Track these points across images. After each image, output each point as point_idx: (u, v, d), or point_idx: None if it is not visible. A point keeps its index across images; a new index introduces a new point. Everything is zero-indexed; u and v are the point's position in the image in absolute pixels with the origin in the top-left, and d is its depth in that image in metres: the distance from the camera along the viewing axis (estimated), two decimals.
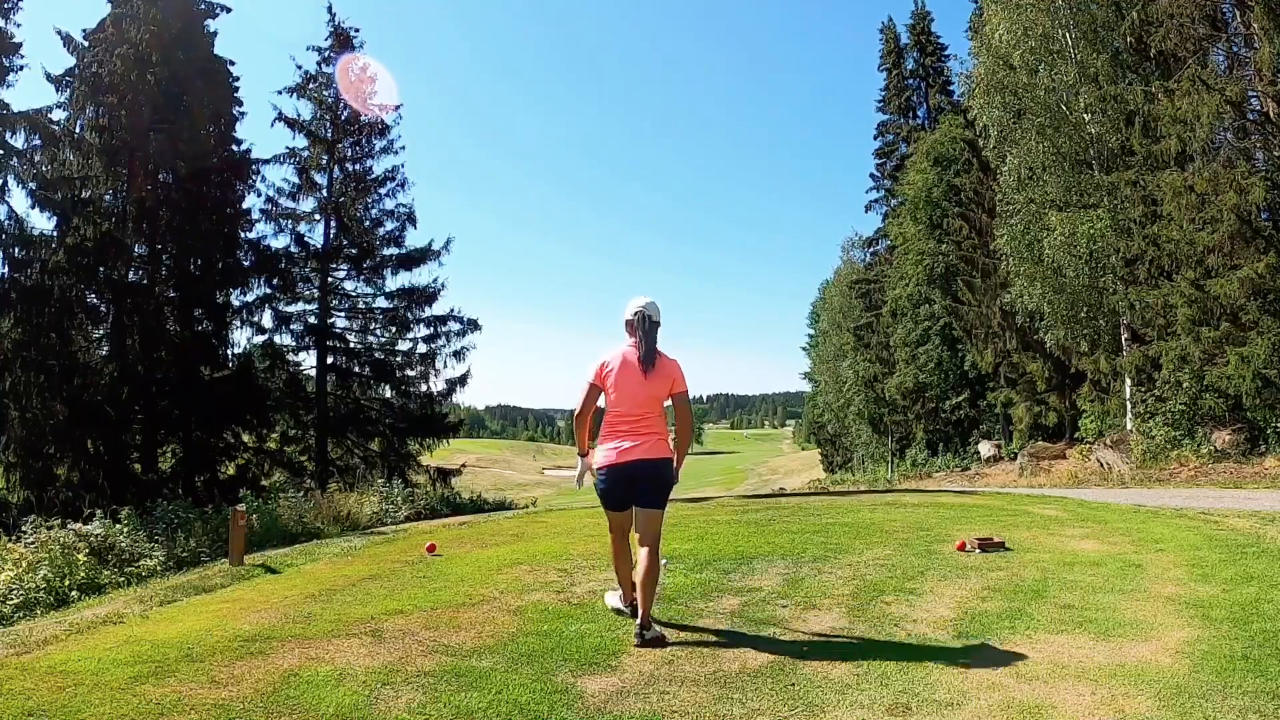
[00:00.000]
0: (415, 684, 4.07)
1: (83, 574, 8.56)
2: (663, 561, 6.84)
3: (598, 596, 5.90)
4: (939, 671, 4.04)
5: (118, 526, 10.10)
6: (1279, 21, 16.05)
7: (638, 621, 4.77)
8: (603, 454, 5.12)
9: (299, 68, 23.51)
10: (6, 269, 16.83)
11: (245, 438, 20.81)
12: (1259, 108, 17.58)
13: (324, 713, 3.68)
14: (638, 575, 4.93)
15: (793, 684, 3.97)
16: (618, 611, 5.40)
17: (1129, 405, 21.45)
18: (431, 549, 8.30)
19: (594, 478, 5.27)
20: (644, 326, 5.20)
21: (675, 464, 5.22)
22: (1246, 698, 3.53)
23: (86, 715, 3.67)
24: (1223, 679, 3.75)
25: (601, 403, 5.25)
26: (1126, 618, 4.82)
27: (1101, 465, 20.22)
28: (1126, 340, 21.42)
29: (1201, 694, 3.58)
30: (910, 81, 50.10)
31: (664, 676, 4.14)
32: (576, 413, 5.31)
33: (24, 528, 9.83)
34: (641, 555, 4.97)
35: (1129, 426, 21.13)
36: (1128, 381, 21.43)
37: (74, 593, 8.12)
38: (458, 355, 23.26)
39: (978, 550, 6.99)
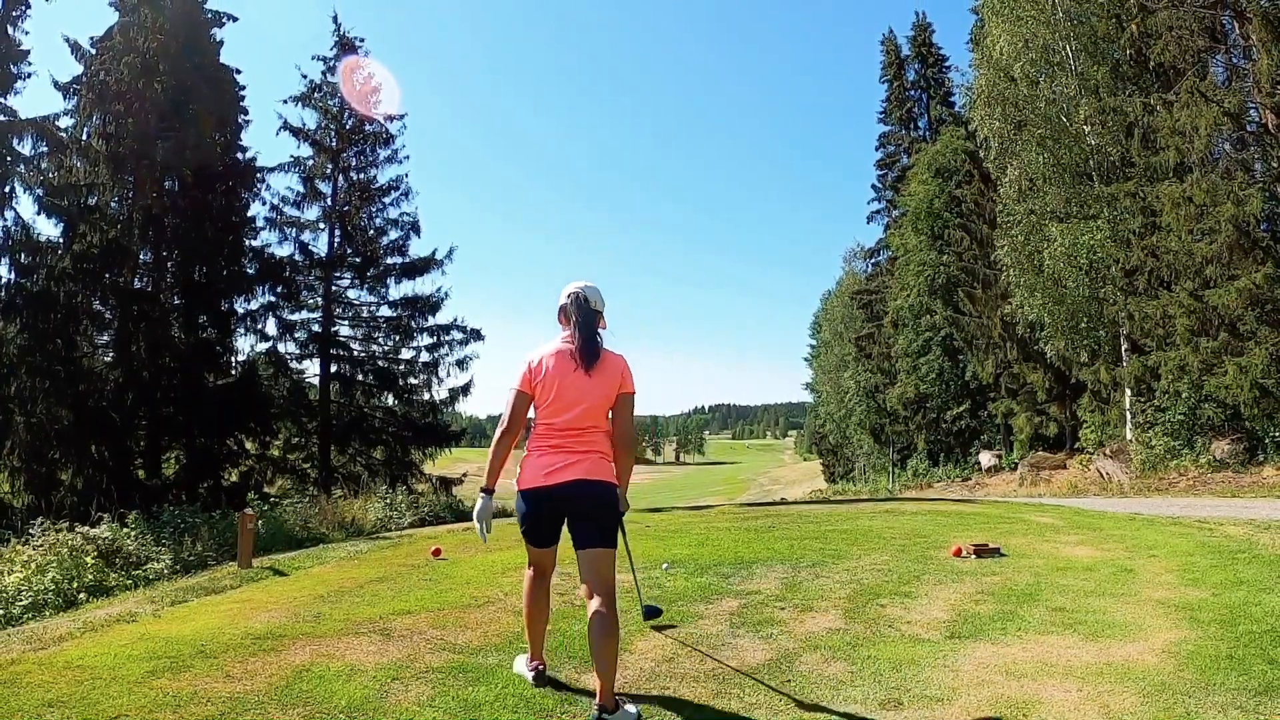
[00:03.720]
0: (424, 679, 4.19)
1: (90, 576, 8.65)
2: (664, 565, 6.97)
3: None
4: (931, 669, 4.16)
5: (125, 530, 10.22)
6: (1277, 33, 16.19)
7: (595, 703, 3.60)
8: (529, 474, 3.96)
9: (304, 77, 23.74)
10: (13, 275, 16.90)
11: (249, 445, 20.86)
12: (1258, 119, 17.71)
13: (336, 706, 3.80)
14: (592, 637, 3.69)
15: (789, 680, 4.09)
16: (535, 681, 4.11)
17: (1129, 415, 21.52)
18: (437, 553, 8.41)
19: (482, 521, 4.04)
20: (579, 313, 4.06)
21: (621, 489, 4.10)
22: (1229, 694, 3.64)
23: (105, 707, 3.79)
24: (1207, 677, 3.87)
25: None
26: (1116, 620, 4.93)
27: (1101, 475, 20.29)
28: (1126, 351, 21.50)
29: (1185, 691, 3.70)
30: (911, 93, 50.21)
31: (664, 673, 4.26)
32: (501, 431, 4.02)
33: (32, 530, 9.91)
34: (592, 610, 3.74)
35: (1129, 436, 21.20)
36: (1127, 392, 21.50)
37: (82, 595, 8.21)
38: (460, 364, 23.38)
39: (973, 556, 7.09)
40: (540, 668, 4.11)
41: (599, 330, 4.10)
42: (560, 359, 3.97)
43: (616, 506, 4.00)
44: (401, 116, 24.40)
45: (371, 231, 23.62)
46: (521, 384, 4.00)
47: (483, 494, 4.04)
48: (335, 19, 24.00)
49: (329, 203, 23.43)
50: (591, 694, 3.77)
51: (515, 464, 4.12)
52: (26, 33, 17.06)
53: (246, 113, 21.93)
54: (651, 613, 5.10)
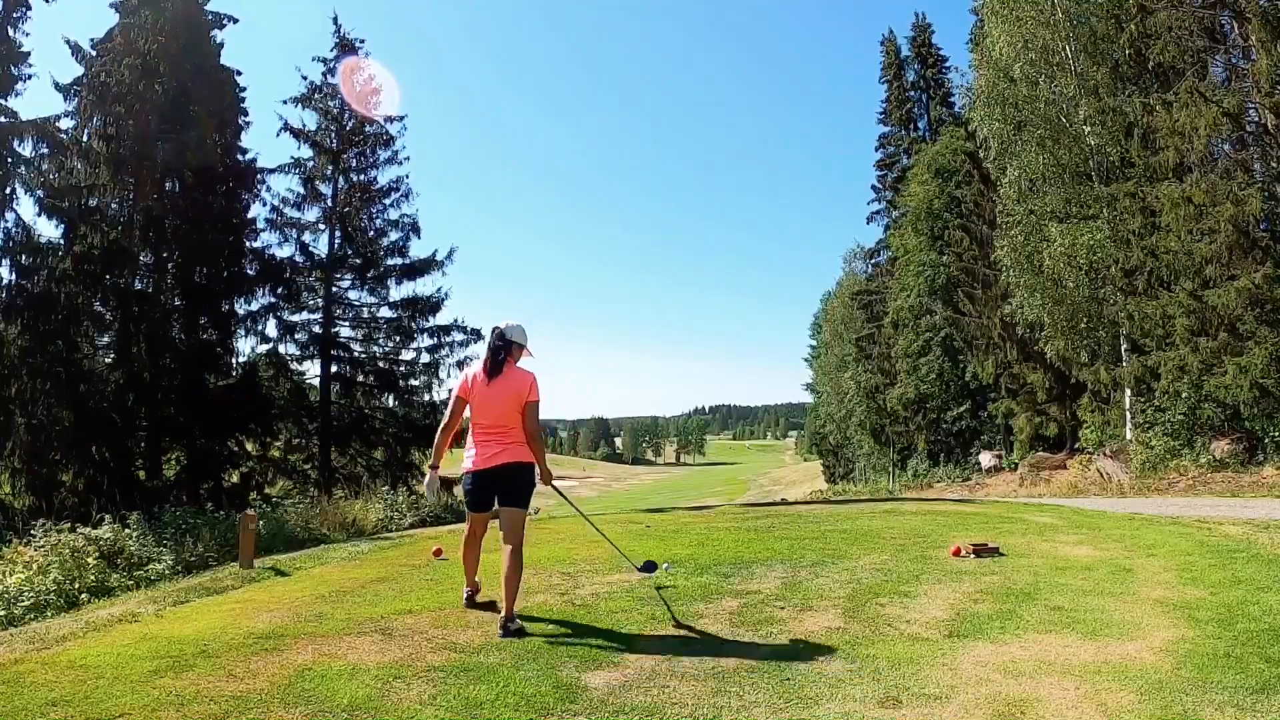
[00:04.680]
0: (425, 678, 4.21)
1: (92, 577, 8.67)
2: (665, 566, 6.99)
3: (601, 599, 6.02)
4: (929, 668, 4.18)
5: (127, 531, 10.23)
6: (1276, 33, 16.20)
7: (502, 615, 5.16)
8: (468, 461, 5.56)
9: (304, 78, 23.77)
10: (14, 276, 16.93)
11: (249, 446, 20.86)
12: (1257, 119, 17.70)
13: (338, 704, 3.83)
14: (502, 574, 5.21)
15: (788, 679, 4.11)
16: (467, 602, 5.90)
17: (1129, 415, 21.52)
18: (438, 553, 8.43)
19: (439, 490, 6.05)
20: (493, 341, 5.64)
21: (538, 469, 5.66)
22: (1226, 692, 3.67)
23: (109, 706, 3.81)
24: (1204, 675, 3.89)
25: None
26: (1114, 618, 4.95)
27: (1101, 475, 20.28)
28: (1126, 351, 21.50)
29: (1182, 689, 3.72)
30: (911, 93, 50.23)
31: (664, 672, 4.28)
32: (442, 425, 5.76)
33: (34, 531, 9.93)
34: (504, 555, 5.26)
35: (1129, 436, 21.19)
36: (1127, 392, 21.50)
37: (84, 595, 8.23)
38: (461, 365, 23.32)
39: (972, 555, 7.11)
40: (472, 592, 5.80)
41: (523, 356, 5.72)
42: (479, 373, 5.57)
43: (527, 481, 5.54)
44: (401, 118, 24.48)
45: (372, 233, 23.66)
46: (460, 390, 5.63)
47: (430, 469, 5.91)
48: (335, 20, 24.05)
49: (329, 204, 23.45)
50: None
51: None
52: (27, 34, 17.08)
53: (247, 114, 22.02)
54: (649, 567, 6.48)
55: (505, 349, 5.59)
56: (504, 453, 5.45)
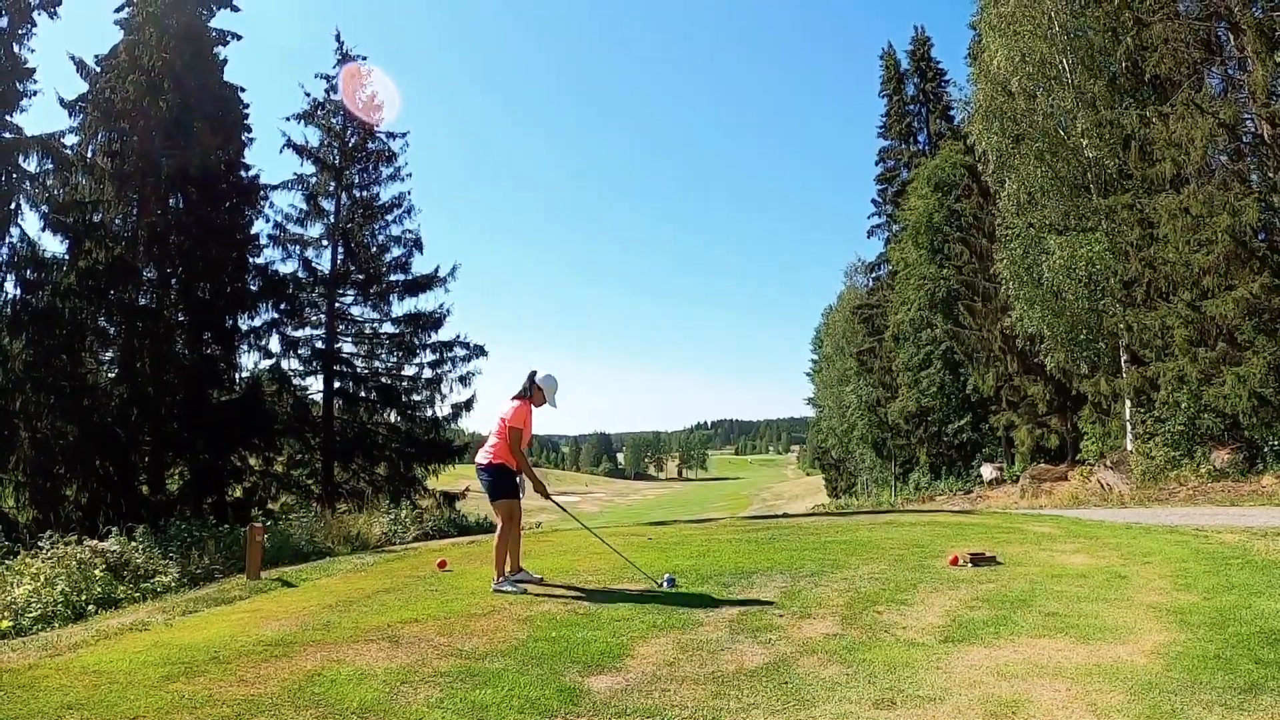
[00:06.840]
0: (432, 683, 4.31)
1: (99, 589, 8.72)
2: (666, 576, 7.06)
3: (603, 607, 6.10)
4: (924, 671, 4.27)
5: (133, 543, 10.29)
6: (1271, 44, 16.34)
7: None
8: None
9: (307, 95, 23.85)
10: (18, 291, 16.98)
11: (252, 461, 20.87)
12: (1253, 130, 17.83)
13: (348, 707, 3.92)
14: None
15: (786, 682, 4.20)
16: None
17: (1129, 426, 21.57)
18: (442, 565, 8.52)
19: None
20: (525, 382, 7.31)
21: (529, 480, 7.08)
22: (1215, 692, 3.75)
23: (123, 709, 3.90)
24: (1194, 676, 3.98)
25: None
26: (1107, 623, 5.03)
27: (1102, 486, 20.34)
28: (1126, 362, 21.58)
29: (1172, 689, 3.81)
30: (911, 107, 50.36)
31: (665, 676, 4.37)
32: None
33: (40, 543, 9.99)
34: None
35: (1129, 447, 21.25)
36: (1127, 403, 21.56)
37: (90, 606, 8.29)
38: (463, 380, 23.43)
39: (969, 564, 7.18)
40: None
41: (543, 404, 7.30)
42: None
43: (487, 481, 7.13)
44: (404, 134, 24.59)
45: (374, 248, 23.73)
46: None
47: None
48: (338, 37, 24.15)
49: (332, 220, 23.53)
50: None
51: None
52: (32, 50, 17.16)
53: (250, 130, 22.09)
54: (670, 582, 6.90)
55: (527, 388, 7.22)
56: (483, 455, 7.10)
